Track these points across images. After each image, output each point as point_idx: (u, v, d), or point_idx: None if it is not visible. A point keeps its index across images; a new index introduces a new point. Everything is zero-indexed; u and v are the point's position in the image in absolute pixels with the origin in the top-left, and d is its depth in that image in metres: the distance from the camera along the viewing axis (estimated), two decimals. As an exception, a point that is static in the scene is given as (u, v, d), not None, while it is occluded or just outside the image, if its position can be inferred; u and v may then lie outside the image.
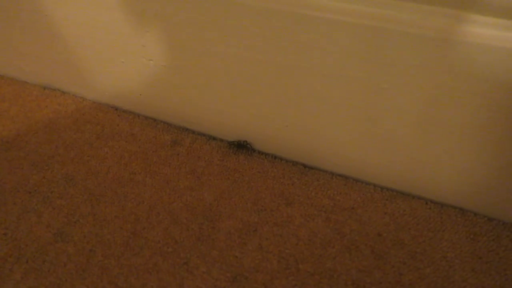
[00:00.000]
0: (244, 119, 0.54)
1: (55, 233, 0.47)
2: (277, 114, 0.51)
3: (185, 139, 0.58)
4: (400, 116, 0.43)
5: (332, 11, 0.40)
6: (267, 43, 0.45)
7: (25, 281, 0.43)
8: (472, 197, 0.46)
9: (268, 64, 0.46)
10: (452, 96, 0.39)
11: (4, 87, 0.68)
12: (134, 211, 0.49)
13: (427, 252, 0.44)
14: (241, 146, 0.55)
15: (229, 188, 0.51)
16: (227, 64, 0.49)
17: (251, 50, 0.46)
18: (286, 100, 0.49)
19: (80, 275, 0.43)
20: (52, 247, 0.45)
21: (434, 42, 0.37)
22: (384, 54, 0.40)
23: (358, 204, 0.49)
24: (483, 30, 0.35)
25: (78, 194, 0.51)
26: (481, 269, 0.43)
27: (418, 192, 0.49)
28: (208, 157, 0.55)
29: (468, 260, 0.43)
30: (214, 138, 0.58)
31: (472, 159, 0.43)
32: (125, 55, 0.55)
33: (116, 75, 0.58)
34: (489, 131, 0.40)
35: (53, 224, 0.48)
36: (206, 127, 0.58)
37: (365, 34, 0.39)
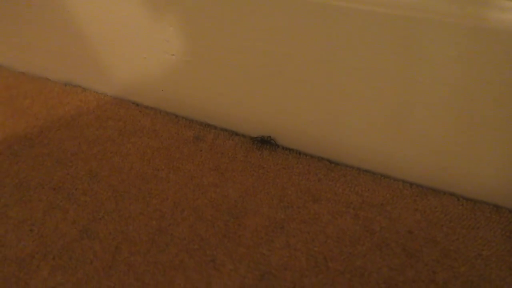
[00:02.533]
0: (267, 114, 0.53)
1: (81, 230, 0.47)
2: (302, 108, 0.50)
3: (208, 135, 0.57)
4: (434, 110, 0.42)
5: (364, 2, 0.38)
6: (294, 36, 0.44)
7: (53, 278, 0.43)
8: (507, 194, 0.45)
9: (294, 58, 0.45)
10: (491, 89, 0.38)
11: (26, 84, 0.68)
12: (159, 207, 0.48)
13: (461, 250, 0.43)
14: (265, 142, 0.54)
15: (254, 185, 0.50)
16: (251, 58, 0.48)
17: (276, 44, 0.45)
18: (312, 94, 0.47)
19: (107, 272, 0.43)
20: (78, 244, 0.45)
21: (472, 31, 0.36)
22: (418, 46, 0.38)
23: (387, 201, 0.48)
24: (525, 18, 0.34)
25: (102, 190, 0.51)
26: (518, 268, 0.41)
27: (449, 188, 0.47)
28: (231, 153, 0.55)
29: (505, 259, 0.42)
30: (237, 134, 0.57)
31: (510, 154, 0.41)
32: (147, 51, 0.54)
33: (138, 70, 0.58)
34: (529, 124, 0.38)
35: (78, 221, 0.47)
36: (228, 122, 0.57)
37: (399, 24, 0.38)
